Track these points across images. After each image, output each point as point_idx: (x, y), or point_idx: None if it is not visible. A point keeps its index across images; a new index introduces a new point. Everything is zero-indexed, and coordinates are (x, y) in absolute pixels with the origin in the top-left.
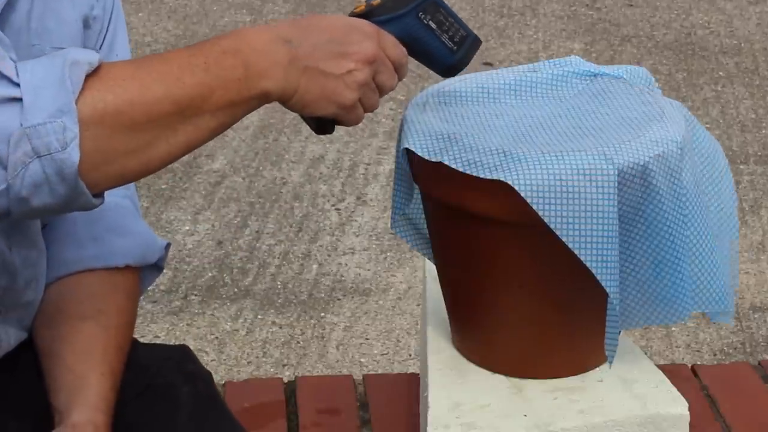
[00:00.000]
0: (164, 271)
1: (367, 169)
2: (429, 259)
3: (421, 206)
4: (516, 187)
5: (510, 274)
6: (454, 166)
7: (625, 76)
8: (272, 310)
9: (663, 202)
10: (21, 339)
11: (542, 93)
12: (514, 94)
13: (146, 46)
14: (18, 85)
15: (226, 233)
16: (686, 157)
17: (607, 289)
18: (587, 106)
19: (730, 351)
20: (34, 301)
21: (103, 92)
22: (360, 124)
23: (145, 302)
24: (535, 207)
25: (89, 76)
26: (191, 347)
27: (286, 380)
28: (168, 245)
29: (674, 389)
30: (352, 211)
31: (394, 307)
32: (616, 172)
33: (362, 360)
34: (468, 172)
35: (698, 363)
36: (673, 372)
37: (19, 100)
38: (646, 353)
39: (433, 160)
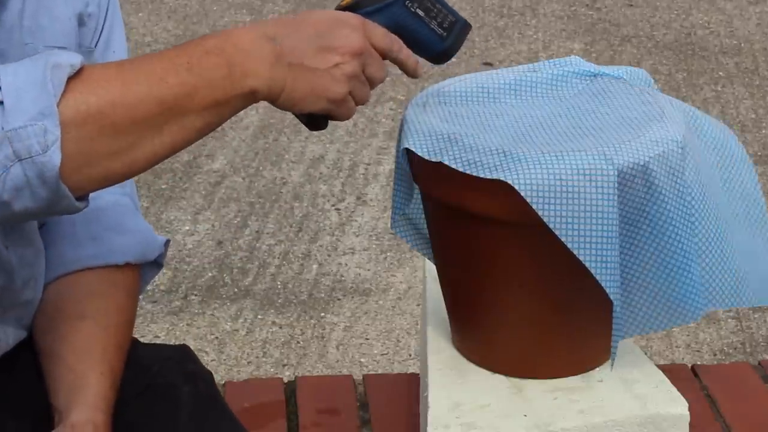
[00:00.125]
0: (164, 271)
1: (367, 169)
2: (429, 259)
3: (421, 206)
4: (516, 187)
5: (510, 273)
6: (454, 166)
7: (625, 77)
8: (272, 310)
9: (667, 202)
10: (20, 338)
11: (542, 93)
12: (514, 94)
13: (146, 46)
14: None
15: (226, 233)
16: (689, 156)
17: (607, 290)
18: (587, 106)
19: (730, 351)
20: (32, 300)
21: (85, 94)
22: (360, 124)
23: (145, 302)
24: (534, 207)
25: (71, 79)
26: (191, 347)
27: (286, 380)
28: (167, 242)
29: (674, 389)
30: (352, 211)
31: (394, 307)
32: (616, 173)
33: (362, 360)
34: (468, 172)
35: (698, 363)
36: (673, 372)
37: (1, 103)
38: (646, 353)
39: (433, 160)
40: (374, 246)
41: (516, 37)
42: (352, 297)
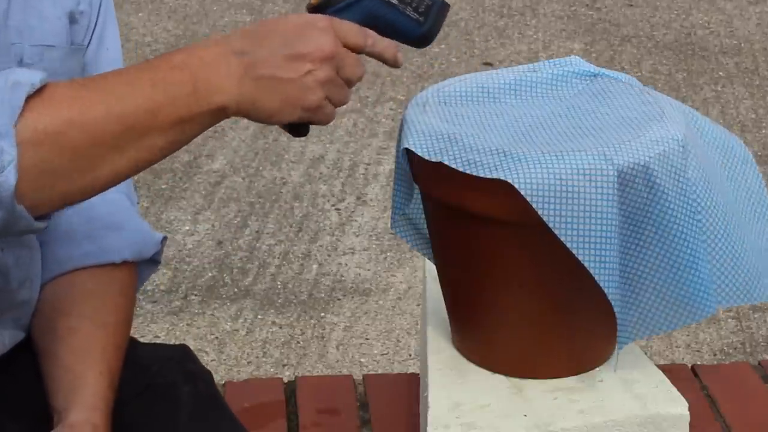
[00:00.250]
0: (164, 271)
1: (367, 169)
2: (429, 259)
3: (421, 206)
4: (516, 186)
5: (510, 273)
6: (454, 166)
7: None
8: (272, 310)
9: (670, 202)
10: (18, 339)
11: (542, 93)
12: (514, 94)
13: (146, 46)
14: None
15: (226, 233)
16: (691, 154)
17: (605, 290)
18: (587, 105)
19: (730, 351)
20: (29, 300)
21: (43, 114)
22: (360, 124)
23: (145, 302)
24: (535, 206)
25: (31, 97)
26: (191, 347)
27: (286, 380)
28: (164, 239)
29: (674, 389)
30: (352, 211)
31: (394, 307)
32: (616, 173)
33: (362, 360)
34: (468, 171)
35: (698, 363)
36: (673, 372)
37: None
38: (646, 353)
39: (433, 160)
40: (374, 246)
41: (516, 37)
42: (352, 297)
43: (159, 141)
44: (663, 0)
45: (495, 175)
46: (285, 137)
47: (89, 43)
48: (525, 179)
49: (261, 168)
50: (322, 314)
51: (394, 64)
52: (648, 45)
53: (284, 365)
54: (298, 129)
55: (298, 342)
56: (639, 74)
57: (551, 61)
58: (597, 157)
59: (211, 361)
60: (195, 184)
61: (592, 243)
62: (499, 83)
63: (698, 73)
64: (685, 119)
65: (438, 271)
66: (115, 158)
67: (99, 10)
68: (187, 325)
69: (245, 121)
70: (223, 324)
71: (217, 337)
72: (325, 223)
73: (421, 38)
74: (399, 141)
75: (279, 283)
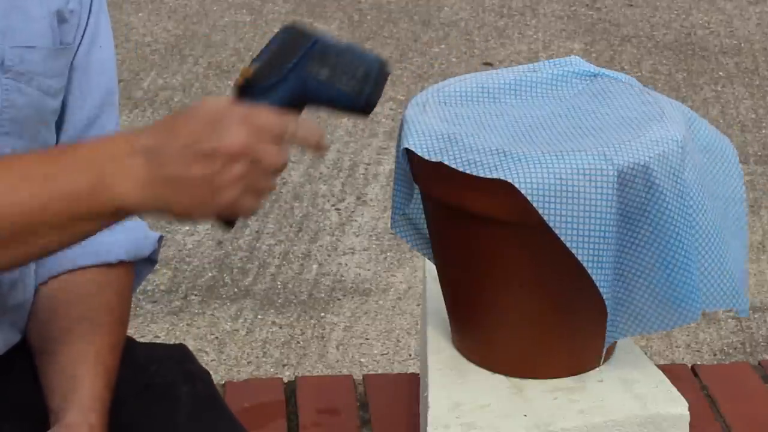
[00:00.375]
0: (164, 271)
1: (367, 169)
2: (429, 259)
3: (421, 206)
4: (516, 185)
5: (510, 273)
6: (454, 166)
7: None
8: (272, 310)
9: (667, 202)
10: (13, 342)
11: (542, 93)
12: (514, 94)
13: (146, 46)
14: None
15: (225, 233)
16: (688, 156)
17: (600, 289)
18: (587, 106)
19: (730, 351)
20: (23, 303)
21: None
22: (360, 124)
23: (145, 302)
24: (535, 205)
25: None
26: (191, 347)
27: (286, 380)
28: (161, 238)
29: (674, 389)
30: (352, 211)
31: (394, 307)
32: (616, 173)
33: (362, 360)
34: (468, 171)
35: (698, 363)
36: (673, 372)
37: None
38: (646, 353)
39: (433, 160)
40: (374, 246)
41: (516, 37)
42: (352, 297)
43: (49, 237)
44: (663, 0)
45: (495, 175)
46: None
47: (80, 43)
48: (525, 179)
49: None
50: (322, 314)
51: (318, 151)
52: (648, 45)
53: (284, 365)
54: (225, 222)
55: (298, 342)
56: (639, 74)
57: (551, 61)
58: (597, 157)
59: (211, 361)
60: None
61: (591, 242)
62: (499, 83)
63: (698, 73)
64: (685, 119)
65: (438, 271)
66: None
67: (90, 8)
68: (187, 325)
69: None
70: (223, 324)
71: (217, 337)
72: (325, 223)
73: (361, 109)
74: (399, 141)
75: (279, 283)
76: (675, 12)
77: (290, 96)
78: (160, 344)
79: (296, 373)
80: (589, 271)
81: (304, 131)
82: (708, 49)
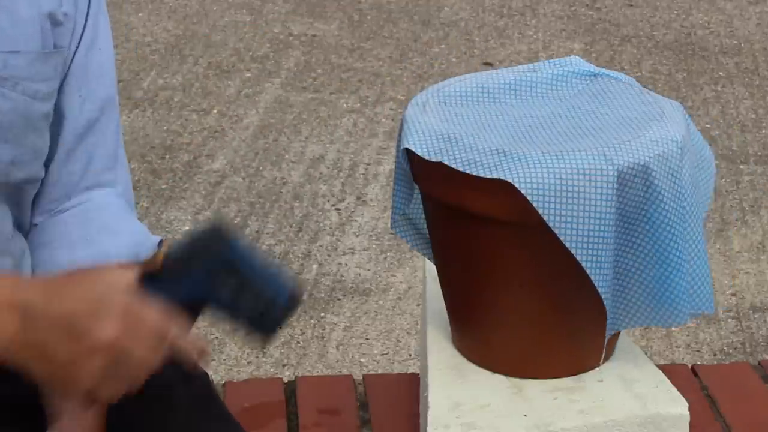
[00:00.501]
0: None
1: (367, 169)
2: (429, 259)
3: (421, 206)
4: (516, 185)
5: (510, 273)
6: (454, 166)
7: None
8: None
9: (665, 202)
10: None
11: (542, 93)
12: (514, 94)
13: (146, 46)
14: None
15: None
16: (686, 157)
17: (599, 288)
18: (587, 106)
19: (730, 351)
20: None
21: None
22: (360, 124)
23: None
24: (535, 204)
25: None
26: None
27: (286, 380)
28: (161, 241)
29: (674, 389)
30: (352, 211)
31: (394, 307)
32: (616, 173)
33: (362, 360)
34: (468, 171)
35: (698, 363)
36: (673, 372)
37: None
38: (646, 353)
39: (433, 160)
40: (374, 246)
41: (516, 37)
42: (352, 297)
43: None
44: (663, 0)
45: (495, 175)
46: (285, 137)
47: (77, 47)
48: (525, 179)
49: (261, 168)
50: (322, 314)
51: (191, 365)
52: (648, 45)
53: (284, 365)
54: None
55: (298, 342)
56: (639, 74)
57: (551, 61)
58: (597, 157)
59: (211, 361)
60: (195, 184)
61: (590, 242)
62: (499, 83)
63: (698, 73)
64: (685, 120)
65: (438, 271)
66: None
67: (88, 11)
68: None
69: (245, 120)
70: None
71: (217, 337)
72: (325, 223)
73: (260, 332)
74: (399, 141)
75: None
76: (675, 12)
77: (191, 298)
78: None
79: (296, 373)
80: (588, 271)
81: (185, 342)
82: (708, 49)
